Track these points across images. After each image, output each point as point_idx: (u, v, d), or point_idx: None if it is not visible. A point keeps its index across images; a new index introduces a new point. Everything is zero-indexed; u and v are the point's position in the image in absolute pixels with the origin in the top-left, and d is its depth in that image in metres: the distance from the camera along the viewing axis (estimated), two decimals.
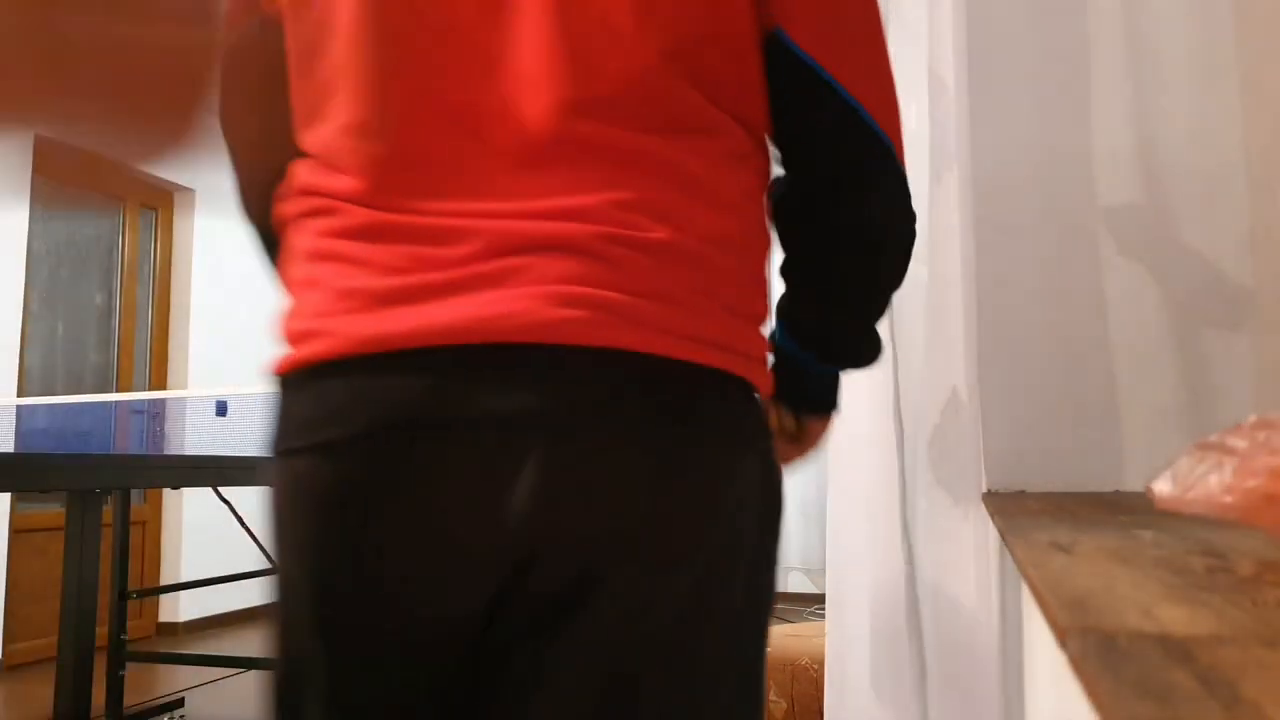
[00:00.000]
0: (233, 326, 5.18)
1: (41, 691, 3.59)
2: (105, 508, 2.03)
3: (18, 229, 4.08)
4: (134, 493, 3.86)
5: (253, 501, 3.47)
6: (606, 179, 0.62)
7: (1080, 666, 0.32)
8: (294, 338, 0.65)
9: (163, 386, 4.89)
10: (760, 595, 0.68)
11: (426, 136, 0.64)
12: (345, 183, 0.65)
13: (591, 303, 0.59)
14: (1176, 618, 0.37)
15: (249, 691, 3.40)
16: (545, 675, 0.60)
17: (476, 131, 0.63)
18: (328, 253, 0.65)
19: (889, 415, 1.23)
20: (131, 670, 3.10)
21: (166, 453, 4.70)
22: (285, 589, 0.65)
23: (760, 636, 0.68)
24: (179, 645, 4.46)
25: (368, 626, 0.62)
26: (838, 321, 0.78)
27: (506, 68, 0.63)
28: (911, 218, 0.74)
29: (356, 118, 0.66)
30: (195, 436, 4.82)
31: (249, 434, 4.79)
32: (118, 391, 4.66)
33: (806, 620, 3.85)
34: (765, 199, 0.71)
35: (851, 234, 0.73)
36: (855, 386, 1.32)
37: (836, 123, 0.69)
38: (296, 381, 0.64)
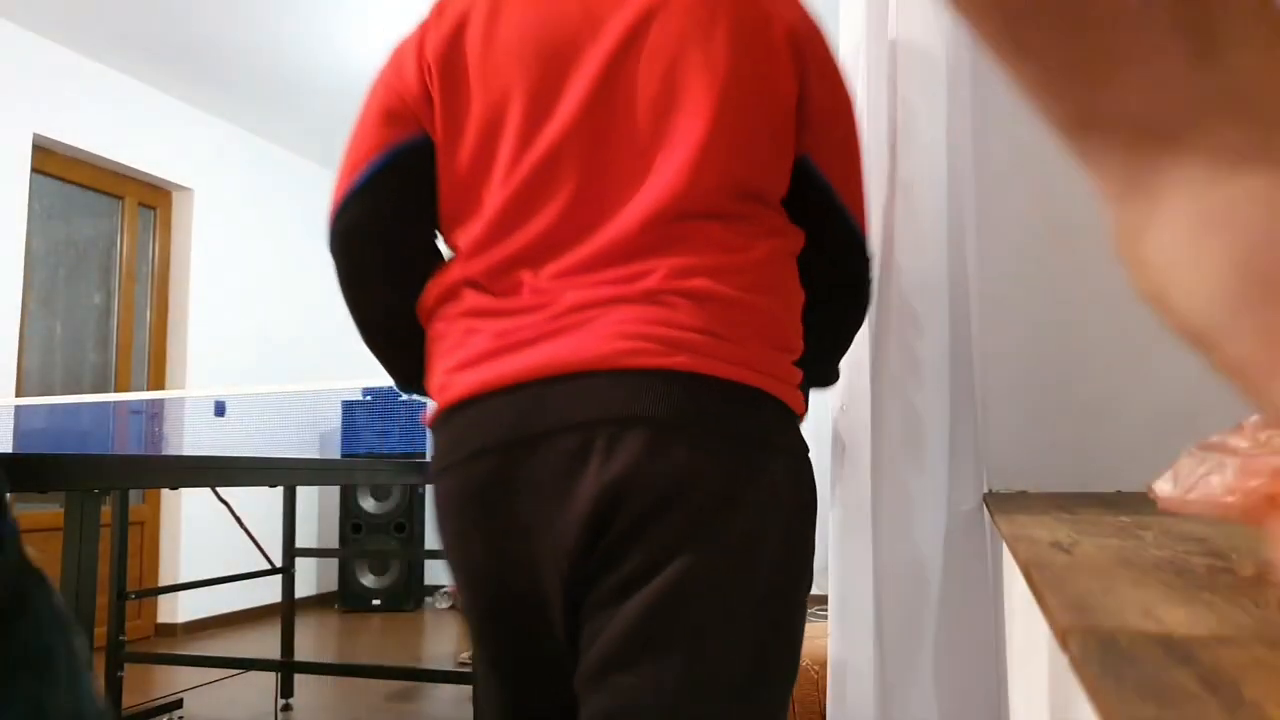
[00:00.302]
0: (231, 326, 5.18)
1: None
2: (104, 508, 2.03)
3: (16, 228, 4.07)
4: (133, 493, 3.86)
5: (251, 502, 3.48)
6: (668, 251, 0.83)
7: (1081, 667, 0.32)
8: (434, 392, 0.89)
9: (161, 386, 4.89)
10: (792, 571, 0.85)
11: (539, 236, 0.86)
12: (470, 272, 0.90)
13: (645, 336, 0.78)
14: (1178, 618, 0.37)
15: (248, 692, 3.39)
16: (617, 599, 0.78)
17: (579, 232, 0.86)
18: (454, 329, 0.89)
19: (890, 416, 1.23)
20: (130, 671, 3.10)
21: (165, 453, 4.70)
22: (451, 568, 0.91)
23: (791, 604, 0.86)
24: (177, 646, 4.46)
25: (500, 588, 0.86)
26: (829, 362, 1.06)
27: (610, 182, 0.86)
28: (871, 294, 1.04)
29: (491, 225, 0.89)
30: (194, 437, 4.82)
31: (247, 434, 4.79)
32: (116, 391, 4.65)
33: (808, 621, 3.84)
34: (795, 261, 0.91)
35: (846, 318, 1.03)
36: (858, 388, 1.31)
37: (844, 246, 0.97)
38: (439, 423, 0.89)
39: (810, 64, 0.92)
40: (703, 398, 0.78)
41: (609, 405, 0.77)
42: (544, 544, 0.80)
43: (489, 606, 0.88)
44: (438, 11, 0.96)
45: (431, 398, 0.91)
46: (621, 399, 0.76)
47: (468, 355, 0.85)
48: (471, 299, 0.89)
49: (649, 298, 0.80)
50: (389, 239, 0.97)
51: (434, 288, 0.93)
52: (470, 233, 0.90)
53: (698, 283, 0.80)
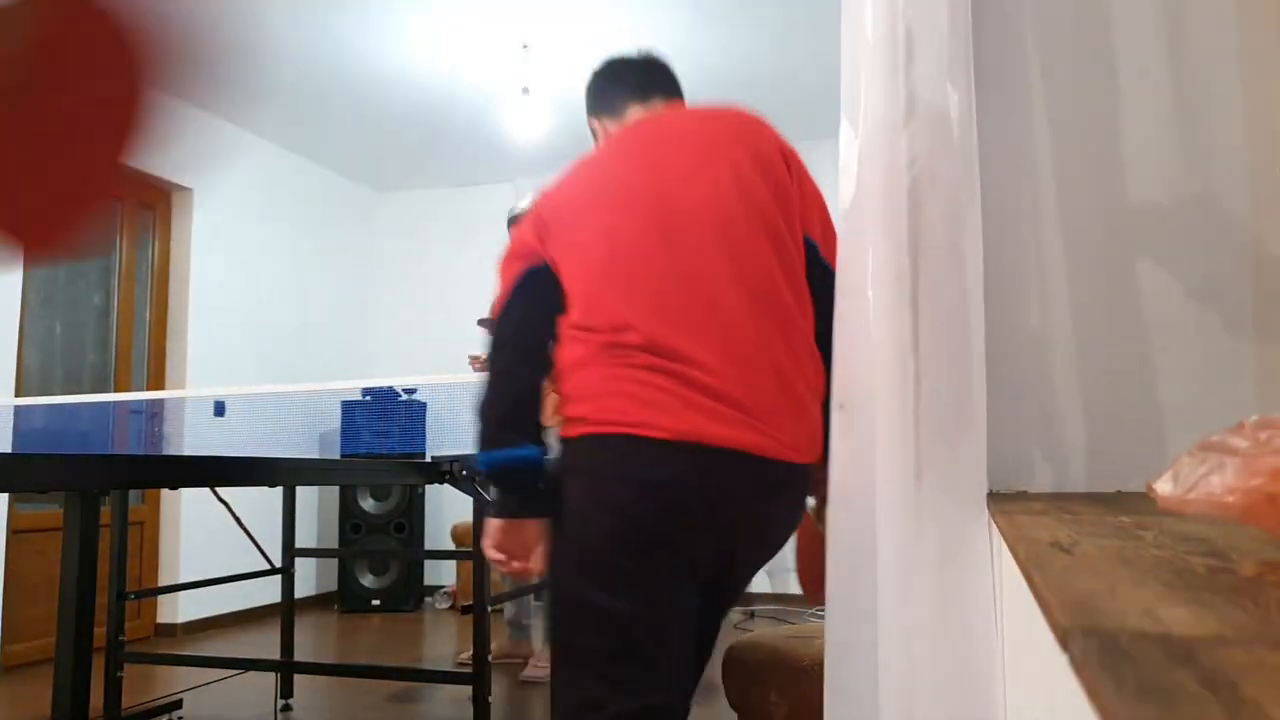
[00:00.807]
0: (231, 326, 5.17)
1: (39, 692, 3.58)
2: (103, 508, 2.03)
3: None
4: (132, 493, 3.86)
5: (251, 502, 3.48)
6: (770, 354, 1.32)
7: (1081, 667, 0.32)
8: (619, 419, 1.28)
9: (161, 386, 4.88)
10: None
11: (672, 322, 1.31)
12: (631, 340, 1.30)
13: (764, 433, 1.29)
14: (1178, 618, 0.37)
15: (247, 692, 3.39)
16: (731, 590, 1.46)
17: (703, 325, 1.31)
18: (627, 377, 1.29)
19: (892, 417, 1.22)
20: (130, 671, 3.10)
21: (165, 453, 4.70)
22: (587, 547, 1.31)
23: None
24: (177, 646, 4.45)
25: (656, 562, 1.30)
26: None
27: (701, 277, 1.33)
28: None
29: (635, 313, 1.32)
30: (194, 437, 4.82)
31: (247, 434, 4.79)
32: (116, 391, 4.65)
33: (807, 622, 3.85)
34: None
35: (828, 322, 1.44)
36: (862, 390, 1.31)
37: (825, 284, 1.35)
38: (617, 440, 1.28)
39: (793, 166, 1.44)
40: (793, 478, 1.35)
41: (745, 478, 1.30)
42: (685, 547, 1.31)
43: (632, 575, 1.30)
44: (556, 181, 1.47)
45: (599, 417, 1.30)
46: (754, 475, 1.30)
47: (648, 400, 1.28)
48: (632, 356, 1.29)
49: (763, 404, 1.30)
50: (534, 328, 1.39)
51: (584, 348, 1.34)
52: (599, 314, 1.33)
53: (785, 389, 1.32)
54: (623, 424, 1.28)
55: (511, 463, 1.33)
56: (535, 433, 1.34)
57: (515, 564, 1.37)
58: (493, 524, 1.35)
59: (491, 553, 1.37)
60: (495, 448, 1.34)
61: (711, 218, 1.34)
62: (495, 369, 1.38)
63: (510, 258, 1.44)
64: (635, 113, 1.54)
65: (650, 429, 1.26)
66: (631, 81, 1.57)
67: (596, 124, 1.60)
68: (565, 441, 1.32)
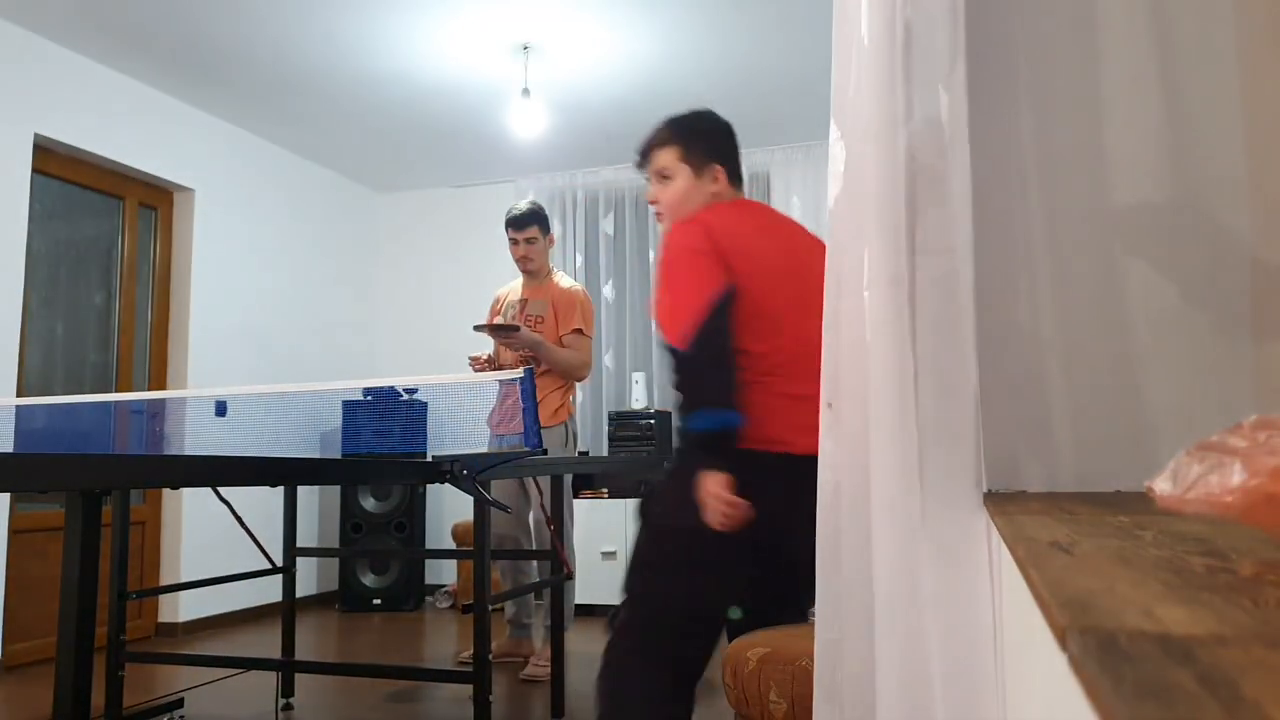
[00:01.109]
0: (231, 326, 5.18)
1: (41, 692, 3.58)
2: (105, 508, 2.03)
3: (17, 228, 4.07)
4: (133, 493, 3.86)
5: (251, 502, 3.48)
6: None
7: (1081, 667, 0.32)
8: (763, 435, 1.83)
9: (162, 386, 4.89)
10: None
11: (801, 361, 1.83)
12: (771, 366, 1.87)
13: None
14: (1177, 618, 0.37)
15: (248, 692, 3.40)
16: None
17: (808, 359, 1.66)
18: (769, 402, 1.85)
19: (889, 416, 1.22)
20: (131, 670, 3.10)
21: (165, 453, 4.70)
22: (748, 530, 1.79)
23: None
24: (178, 645, 4.46)
25: (754, 551, 1.88)
26: None
27: (803, 332, 1.85)
28: None
29: (777, 345, 1.87)
30: (194, 436, 4.82)
31: (247, 434, 4.79)
32: (117, 391, 4.65)
33: (807, 620, 3.84)
34: None
35: None
36: (854, 386, 1.31)
37: None
38: (761, 454, 1.81)
39: None
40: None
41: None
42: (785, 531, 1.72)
43: (741, 559, 1.85)
44: (724, 224, 1.94)
45: (755, 431, 1.82)
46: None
47: (785, 423, 1.81)
48: (774, 386, 1.86)
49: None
50: (726, 334, 1.84)
51: (746, 370, 1.86)
52: (760, 345, 1.88)
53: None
54: (765, 440, 1.80)
55: (717, 425, 1.78)
56: (733, 406, 1.80)
57: (735, 509, 1.74)
58: (710, 477, 1.75)
59: (719, 499, 1.74)
60: (699, 413, 1.80)
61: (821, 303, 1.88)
62: (697, 367, 1.82)
63: (705, 272, 1.87)
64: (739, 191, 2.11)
65: (786, 445, 1.78)
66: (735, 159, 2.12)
67: (744, 164, 2.10)
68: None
